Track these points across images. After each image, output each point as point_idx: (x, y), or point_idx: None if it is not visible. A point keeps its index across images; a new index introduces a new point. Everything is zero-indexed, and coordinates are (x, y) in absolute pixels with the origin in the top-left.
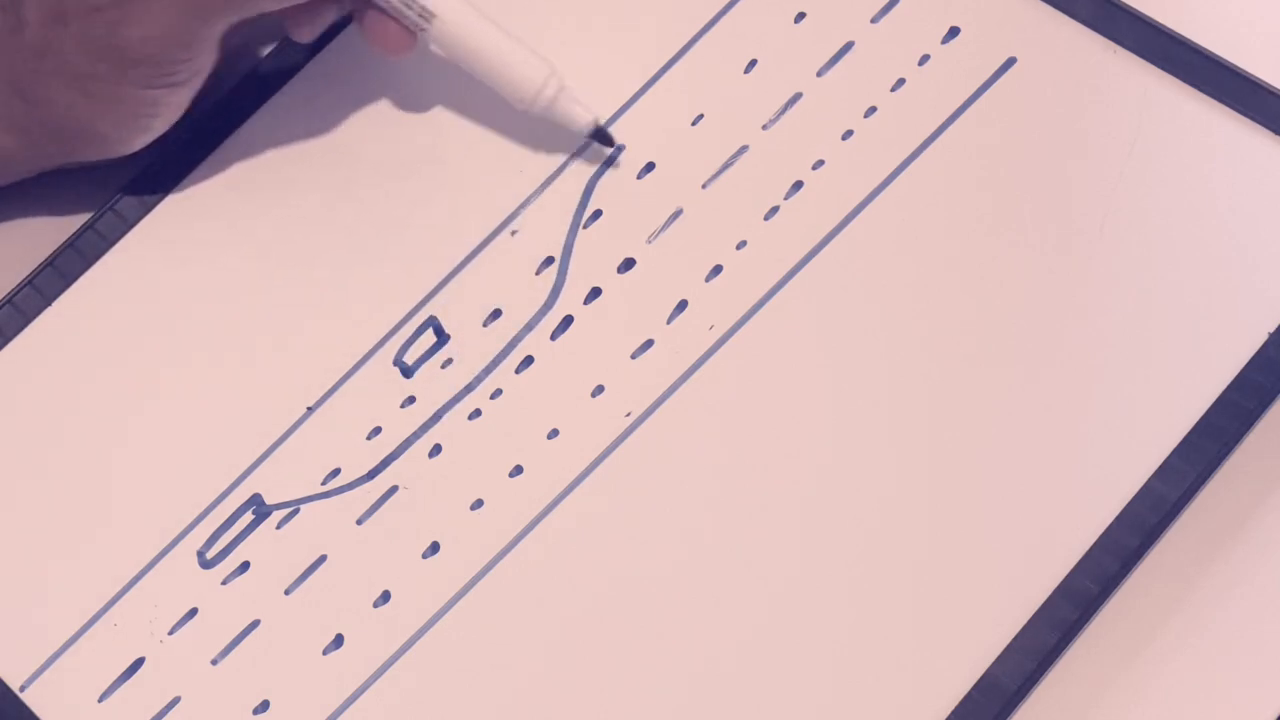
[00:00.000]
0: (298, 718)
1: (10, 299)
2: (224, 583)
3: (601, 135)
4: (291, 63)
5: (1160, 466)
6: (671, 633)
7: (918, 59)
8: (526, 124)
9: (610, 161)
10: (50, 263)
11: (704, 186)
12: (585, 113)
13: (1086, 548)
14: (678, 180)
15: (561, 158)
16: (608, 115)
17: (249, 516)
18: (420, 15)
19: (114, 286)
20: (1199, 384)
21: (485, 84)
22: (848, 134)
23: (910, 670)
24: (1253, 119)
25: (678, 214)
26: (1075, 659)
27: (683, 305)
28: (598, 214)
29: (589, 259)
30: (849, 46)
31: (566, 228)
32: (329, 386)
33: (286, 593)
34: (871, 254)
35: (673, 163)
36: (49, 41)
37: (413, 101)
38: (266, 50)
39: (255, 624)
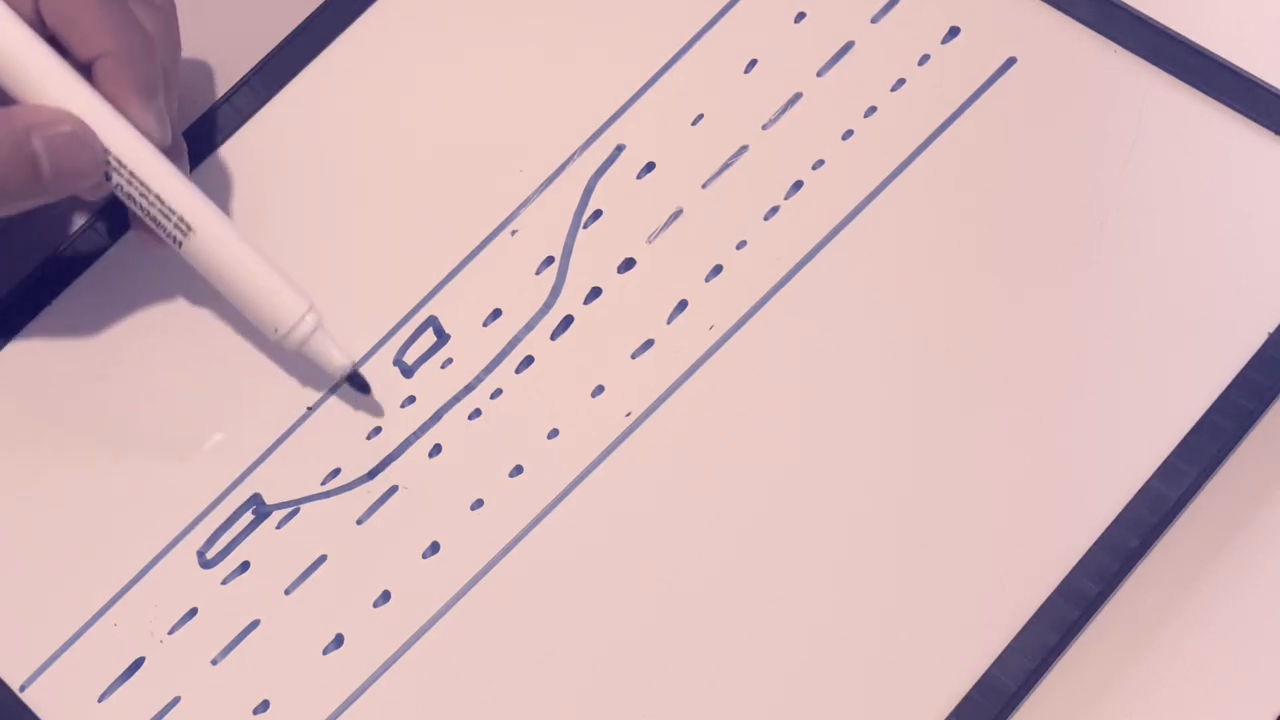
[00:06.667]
0: (298, 718)
1: None
2: (224, 583)
3: (356, 380)
4: None
5: (1160, 466)
6: (671, 632)
7: (918, 59)
8: (519, 126)
9: (607, 165)
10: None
11: (704, 186)
12: (339, 355)
13: (1086, 548)
14: (678, 180)
15: (561, 158)
16: (607, 115)
17: (249, 516)
18: (178, 227)
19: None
20: (1199, 384)
21: (238, 308)
22: (848, 134)
23: (910, 670)
24: (1253, 119)
25: (678, 214)
26: (1075, 659)
27: (683, 305)
28: (598, 214)
29: (589, 259)
30: (849, 46)
31: (566, 228)
32: (329, 386)
33: (286, 593)
34: (871, 254)
35: (673, 163)
36: None
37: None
38: None
39: (255, 624)
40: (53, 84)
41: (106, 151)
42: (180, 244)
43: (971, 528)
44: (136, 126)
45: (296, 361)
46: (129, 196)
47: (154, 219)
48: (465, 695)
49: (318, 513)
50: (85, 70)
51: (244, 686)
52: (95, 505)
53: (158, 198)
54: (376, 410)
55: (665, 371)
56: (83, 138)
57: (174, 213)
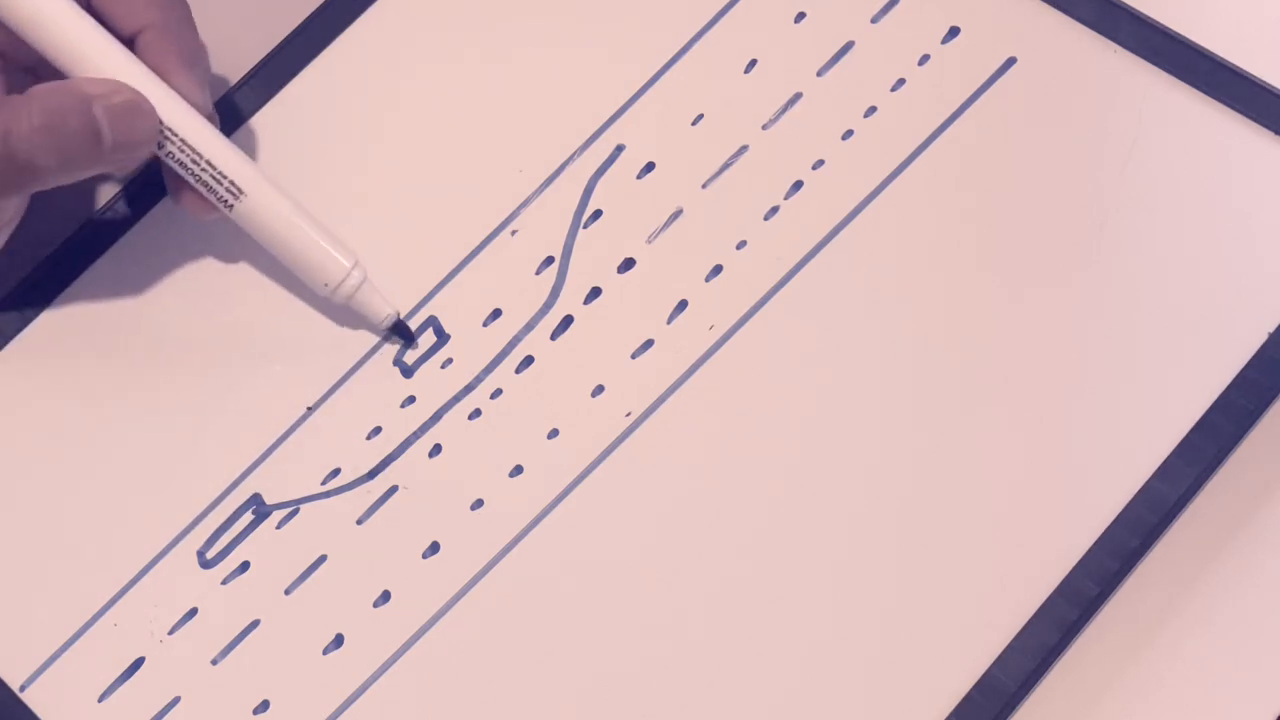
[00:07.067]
0: (298, 718)
1: None
2: (224, 583)
3: (401, 329)
4: None
5: (1160, 466)
6: (671, 632)
7: (918, 59)
8: (519, 126)
9: (607, 165)
10: None
11: (704, 186)
12: (385, 305)
13: (1086, 548)
14: (678, 180)
15: (561, 158)
16: (607, 115)
17: (249, 516)
18: (229, 191)
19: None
20: (1199, 384)
21: (286, 266)
22: (848, 134)
23: (910, 670)
24: (1253, 119)
25: (678, 214)
26: (1075, 659)
27: (683, 305)
28: (598, 214)
29: (589, 259)
30: (849, 46)
31: (566, 228)
32: (329, 386)
33: (286, 593)
34: (871, 254)
35: (673, 163)
36: None
37: None
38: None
39: (255, 624)
40: (102, 57)
41: (160, 120)
42: (231, 207)
43: (971, 528)
44: (182, 95)
45: (295, 361)
46: (180, 164)
47: (205, 184)
48: (465, 695)
49: (318, 513)
50: (128, 43)
51: (244, 686)
52: (96, 505)
53: (209, 163)
54: (414, 354)
55: (665, 371)
56: (140, 106)
57: (225, 177)
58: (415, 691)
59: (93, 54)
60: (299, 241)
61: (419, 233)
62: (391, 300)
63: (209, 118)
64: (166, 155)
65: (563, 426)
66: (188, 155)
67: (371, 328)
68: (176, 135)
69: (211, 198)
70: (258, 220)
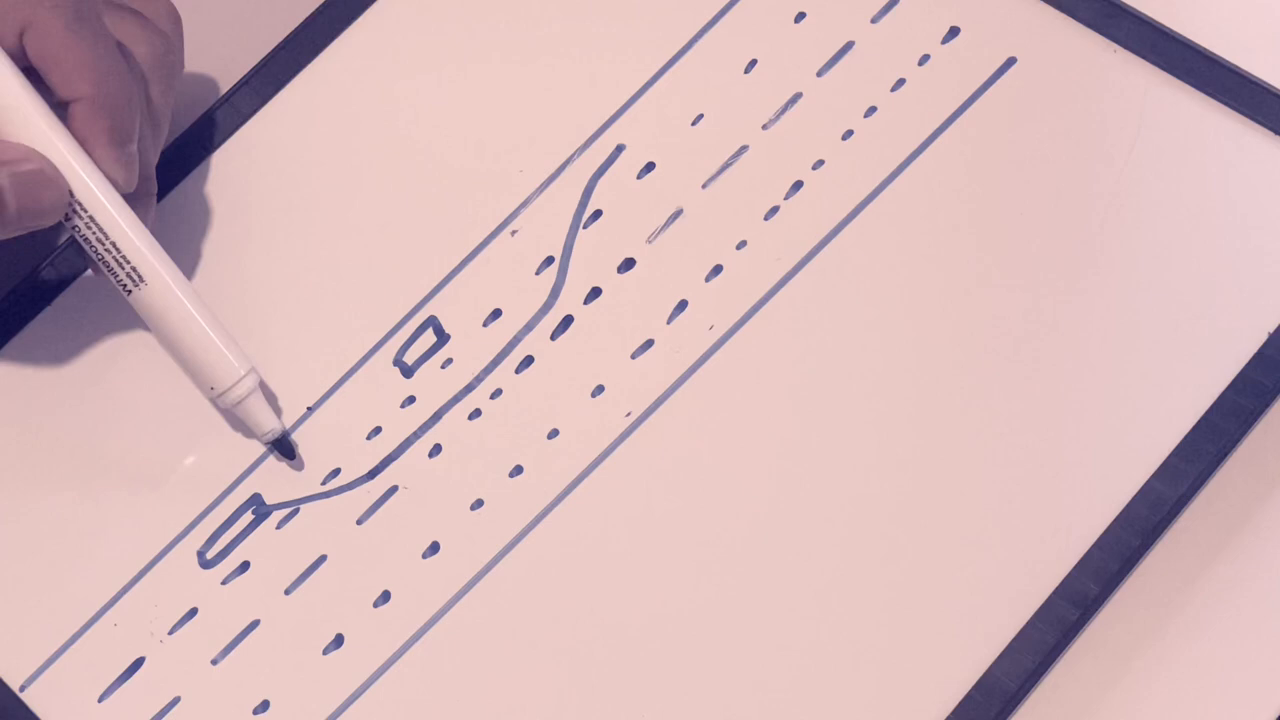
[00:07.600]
0: (298, 718)
1: None
2: (224, 583)
3: (283, 445)
4: None
5: (1160, 466)
6: (671, 633)
7: (918, 59)
8: (519, 126)
9: (607, 165)
10: None
11: (704, 186)
12: (270, 419)
13: (1086, 548)
14: (678, 180)
15: (561, 158)
16: (607, 115)
17: (249, 516)
18: (129, 276)
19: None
20: (1199, 384)
21: (177, 362)
22: (848, 134)
23: (910, 670)
24: (1253, 119)
25: (678, 214)
26: (1075, 659)
27: (683, 305)
28: (598, 214)
29: (589, 259)
30: (849, 46)
31: (566, 228)
32: (329, 386)
33: (286, 593)
34: (871, 254)
35: (673, 163)
36: None
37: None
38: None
39: (255, 624)
40: (23, 121)
41: (70, 193)
42: (130, 293)
43: (972, 528)
44: (103, 171)
45: (292, 359)
46: (85, 240)
47: (107, 265)
48: (465, 695)
49: (318, 513)
50: (63, 106)
51: (244, 686)
52: (95, 505)
53: (114, 245)
54: (299, 467)
55: (665, 371)
56: (48, 176)
57: (127, 262)
58: (415, 691)
59: (14, 116)
60: (192, 340)
61: (419, 233)
62: (278, 413)
63: (138, 191)
64: (73, 229)
65: (563, 426)
66: (93, 233)
67: (256, 438)
68: (85, 211)
69: (112, 279)
70: (154, 312)
